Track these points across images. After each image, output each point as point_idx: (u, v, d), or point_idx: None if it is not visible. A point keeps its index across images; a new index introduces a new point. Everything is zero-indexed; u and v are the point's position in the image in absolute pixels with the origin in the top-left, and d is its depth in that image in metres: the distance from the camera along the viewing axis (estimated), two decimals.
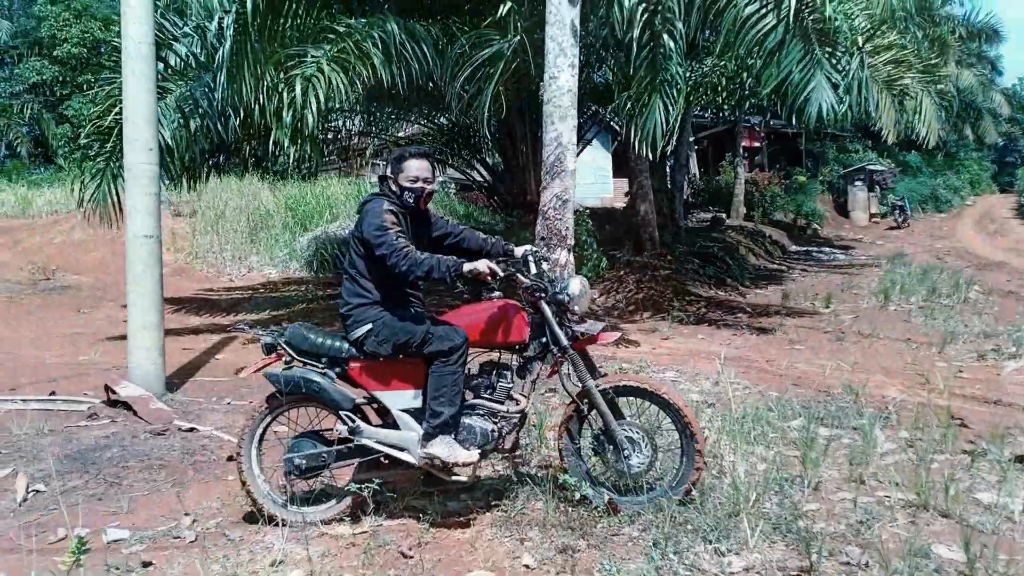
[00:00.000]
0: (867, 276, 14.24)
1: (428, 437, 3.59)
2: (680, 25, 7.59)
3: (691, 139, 26.14)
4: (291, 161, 14.15)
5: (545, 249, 7.15)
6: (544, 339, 3.70)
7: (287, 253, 16.33)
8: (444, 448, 3.56)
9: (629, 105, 7.63)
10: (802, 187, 24.99)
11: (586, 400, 3.72)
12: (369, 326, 3.65)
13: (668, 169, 17.05)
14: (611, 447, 3.68)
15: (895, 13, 10.87)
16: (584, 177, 23.69)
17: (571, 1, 6.50)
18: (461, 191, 19.49)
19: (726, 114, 19.79)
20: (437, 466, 3.60)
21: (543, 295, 3.64)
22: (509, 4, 6.77)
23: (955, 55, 29.27)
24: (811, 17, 8.12)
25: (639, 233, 13.48)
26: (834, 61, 8.35)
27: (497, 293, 3.80)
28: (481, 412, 3.72)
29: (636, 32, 7.32)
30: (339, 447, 3.72)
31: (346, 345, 3.72)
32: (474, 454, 3.60)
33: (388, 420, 3.77)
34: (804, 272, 15.95)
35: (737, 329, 9.10)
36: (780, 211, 23.76)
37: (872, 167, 27.61)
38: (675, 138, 15.07)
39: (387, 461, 3.72)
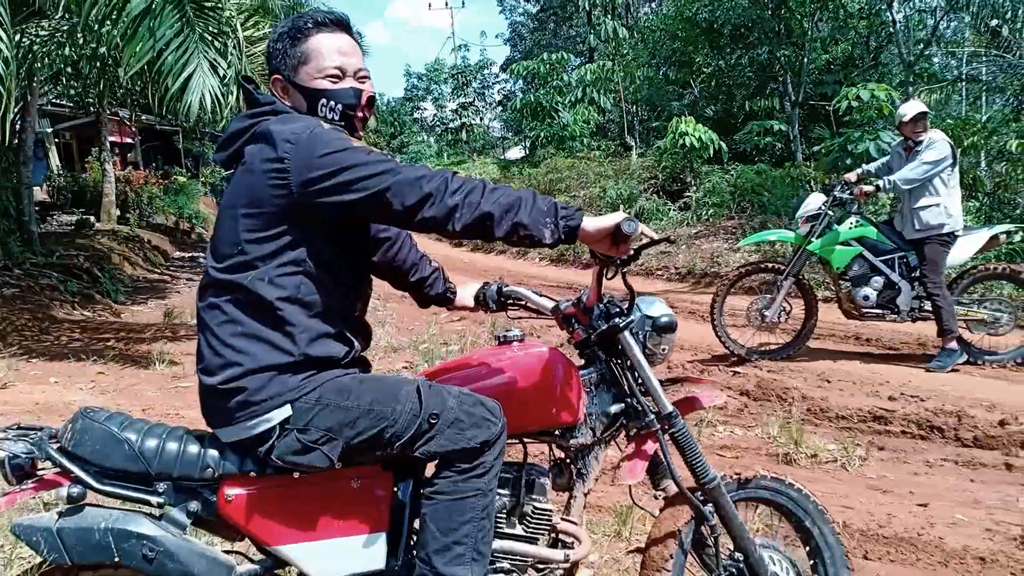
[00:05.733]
0: None
1: None
2: None
3: (49, 130, 22.30)
4: None
5: None
6: (613, 408, 2.04)
7: None
8: None
9: None
10: (183, 188, 23.41)
11: (708, 504, 2.05)
12: (286, 410, 1.67)
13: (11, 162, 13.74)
14: None
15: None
16: None
17: None
18: None
19: (90, 104, 16.95)
20: None
21: (623, 321, 1.95)
22: None
23: None
24: None
25: None
26: (218, 44, 7.25)
27: (516, 332, 2.13)
28: (506, 568, 1.94)
29: None
30: None
31: (215, 454, 1.73)
32: None
33: None
34: (190, 282, 14.50)
35: (108, 361, 7.28)
36: (161, 213, 21.80)
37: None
38: (17, 123, 12.19)
39: None
